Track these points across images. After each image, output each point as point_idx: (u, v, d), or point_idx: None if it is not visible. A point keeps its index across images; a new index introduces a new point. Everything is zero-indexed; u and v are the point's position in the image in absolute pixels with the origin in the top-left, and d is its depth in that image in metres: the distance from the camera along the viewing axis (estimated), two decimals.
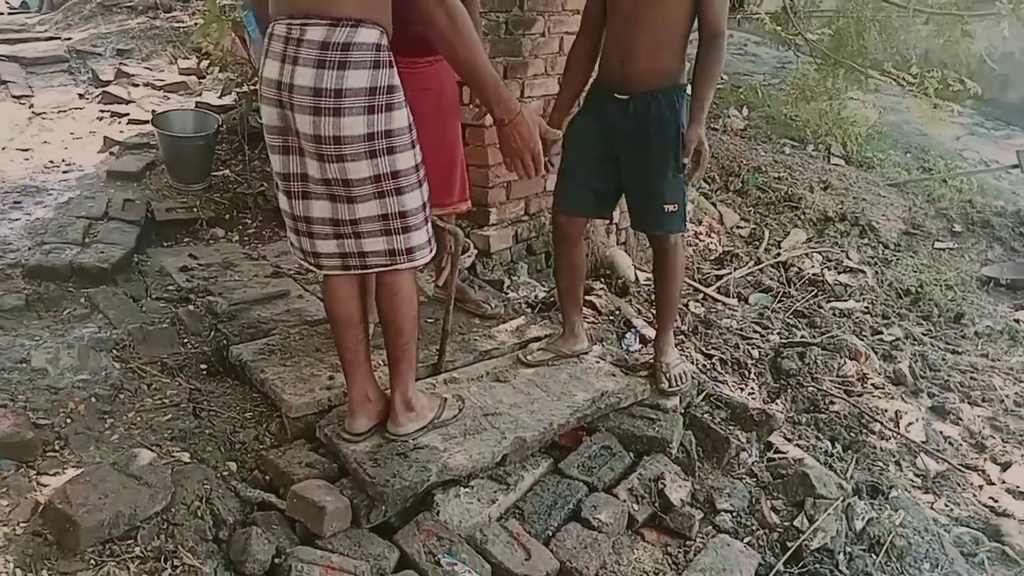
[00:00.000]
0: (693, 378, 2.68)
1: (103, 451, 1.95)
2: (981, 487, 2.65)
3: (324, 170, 1.76)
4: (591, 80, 2.57)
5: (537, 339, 2.75)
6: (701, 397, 2.68)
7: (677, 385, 2.55)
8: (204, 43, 4.45)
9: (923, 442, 2.82)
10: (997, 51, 6.51)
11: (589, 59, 2.51)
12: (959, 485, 2.63)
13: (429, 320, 2.78)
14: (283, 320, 2.71)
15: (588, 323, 3.08)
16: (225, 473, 2.00)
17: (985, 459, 2.82)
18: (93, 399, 2.13)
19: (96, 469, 1.79)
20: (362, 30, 1.68)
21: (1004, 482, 2.69)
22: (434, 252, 1.95)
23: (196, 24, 6.00)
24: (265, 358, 2.42)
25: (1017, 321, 4.12)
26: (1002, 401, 3.24)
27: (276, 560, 1.77)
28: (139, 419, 2.11)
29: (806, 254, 4.51)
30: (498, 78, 1.77)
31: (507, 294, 3.24)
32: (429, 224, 1.92)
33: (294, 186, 1.84)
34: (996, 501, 2.57)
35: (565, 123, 2.56)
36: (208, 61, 4.63)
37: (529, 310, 3.14)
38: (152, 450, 1.93)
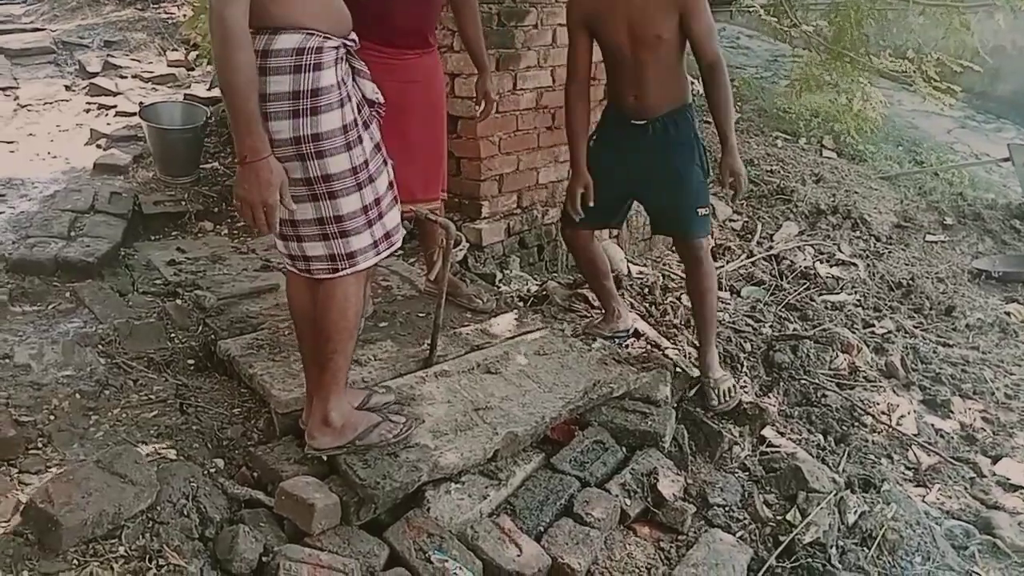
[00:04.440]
0: (740, 390, 2.72)
1: (87, 448, 1.92)
2: (972, 480, 2.65)
3: None
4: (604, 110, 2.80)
5: (529, 333, 2.74)
6: (694, 391, 2.67)
7: (726, 401, 2.59)
8: (193, 34, 4.41)
9: (915, 435, 2.82)
10: (989, 44, 6.51)
11: (586, 101, 2.71)
12: (950, 478, 2.63)
13: (420, 315, 2.76)
14: (272, 315, 2.68)
15: (581, 316, 3.07)
16: (212, 470, 1.98)
17: (976, 452, 2.82)
18: (77, 395, 2.10)
19: (80, 467, 1.76)
20: (281, 36, 1.67)
21: (995, 474, 2.69)
22: (381, 254, 1.90)
23: (185, 16, 5.96)
24: (254, 353, 2.39)
25: (1007, 314, 4.12)
26: (993, 394, 3.24)
27: (264, 558, 1.74)
28: (124, 415, 2.08)
29: (798, 247, 4.50)
30: (255, 116, 1.62)
31: (499, 288, 3.22)
32: (379, 226, 1.86)
33: None
34: (987, 494, 2.57)
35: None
36: (197, 52, 4.59)
37: (521, 304, 3.12)
38: (138, 447, 1.90)
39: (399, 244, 1.97)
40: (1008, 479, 2.67)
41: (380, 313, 2.74)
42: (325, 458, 1.99)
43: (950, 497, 2.54)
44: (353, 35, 1.82)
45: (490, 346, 2.63)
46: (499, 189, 3.44)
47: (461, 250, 3.21)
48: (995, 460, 2.78)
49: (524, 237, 3.57)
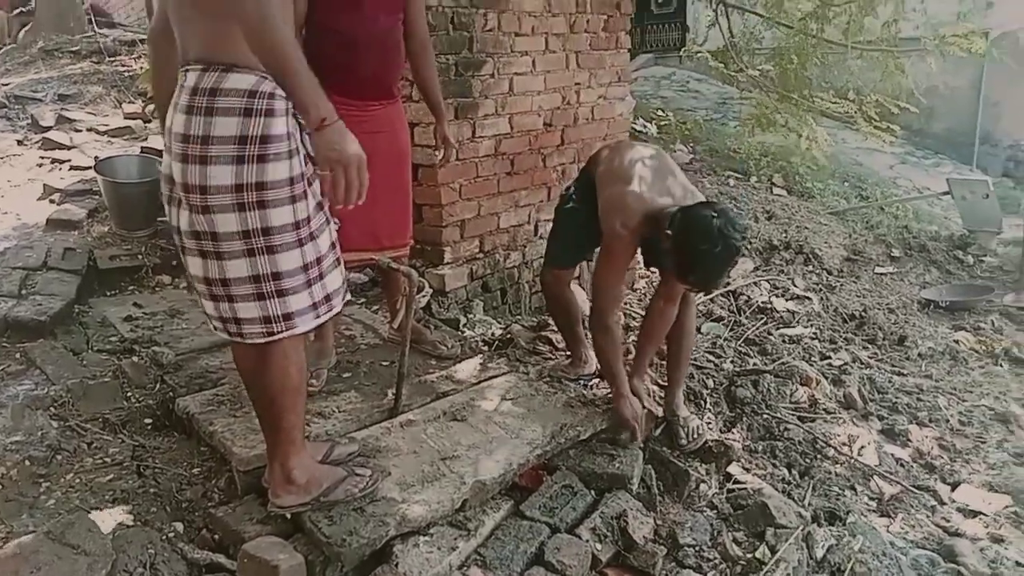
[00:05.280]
0: (709, 429, 2.74)
1: (37, 518, 1.84)
2: (934, 508, 2.70)
3: (192, 221, 1.65)
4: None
5: (494, 377, 2.75)
6: (660, 430, 2.68)
7: (695, 439, 2.61)
8: (149, 87, 4.39)
9: (876, 465, 2.87)
10: (922, 85, 6.86)
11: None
12: (912, 507, 2.68)
13: (384, 364, 2.74)
14: (233, 369, 2.59)
15: (545, 358, 3.08)
16: (171, 535, 1.91)
17: (935, 479, 2.88)
18: (27, 462, 2.02)
19: (29, 540, 1.69)
20: (233, 75, 1.58)
21: (954, 501, 2.75)
22: (320, 318, 1.81)
23: (142, 68, 5.93)
24: (214, 409, 2.34)
25: (956, 342, 4.27)
26: (947, 420, 3.33)
27: None
28: (78, 481, 2.01)
29: (754, 282, 4.61)
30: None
31: (463, 333, 3.22)
32: (319, 287, 1.77)
33: (177, 240, 1.75)
34: (948, 521, 2.62)
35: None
36: (153, 105, 4.56)
37: (486, 348, 3.12)
38: (92, 514, 1.84)
39: (339, 308, 1.88)
40: (967, 505, 2.73)
41: (343, 363, 2.71)
42: (289, 516, 1.94)
43: (913, 526, 2.58)
44: None
45: (456, 393, 2.62)
46: (461, 234, 3.47)
47: (424, 296, 3.21)
48: (954, 487, 2.84)
49: (487, 281, 3.59)
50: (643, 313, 3.69)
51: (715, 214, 2.25)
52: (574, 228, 2.72)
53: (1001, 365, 4.08)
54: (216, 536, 1.97)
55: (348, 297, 1.93)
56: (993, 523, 2.62)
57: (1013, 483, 2.87)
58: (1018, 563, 2.41)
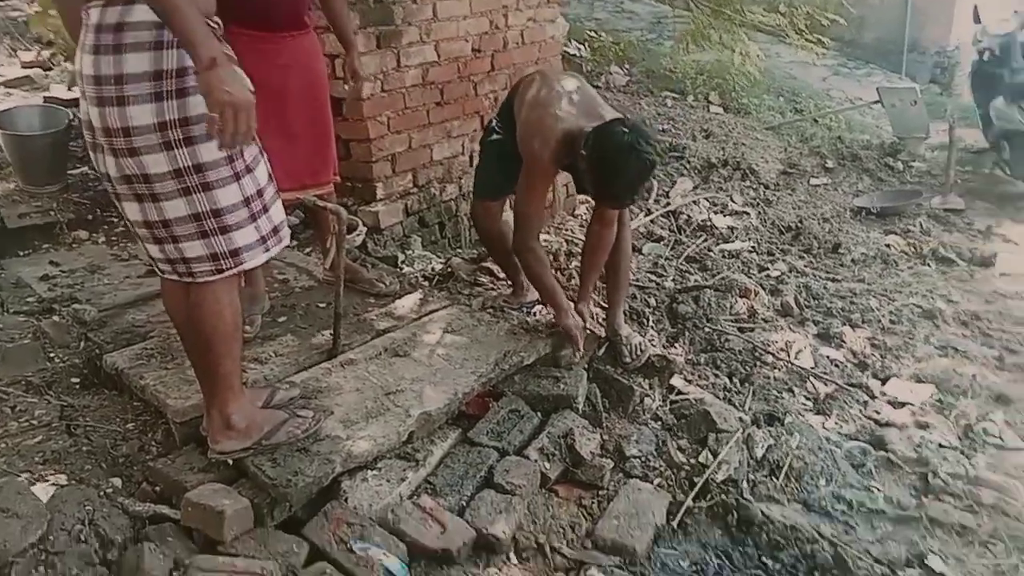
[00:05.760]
0: (652, 345, 2.77)
1: None
2: (866, 403, 2.82)
3: (121, 166, 1.59)
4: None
5: (436, 311, 2.72)
6: (603, 350, 2.72)
7: (638, 356, 2.65)
8: (45, 31, 4.08)
9: (812, 367, 2.97)
10: None
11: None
12: (846, 403, 2.78)
13: (321, 305, 2.69)
14: (161, 321, 2.53)
15: (487, 289, 3.07)
16: (109, 491, 1.86)
17: (868, 376, 3.00)
18: None
19: None
20: (137, 7, 1.50)
21: (885, 395, 2.87)
22: (271, 251, 1.79)
23: (35, 11, 5.50)
24: (144, 363, 2.27)
25: (887, 246, 4.40)
26: (879, 320, 3.45)
27: (175, 573, 1.66)
28: (3, 446, 1.93)
29: (694, 201, 4.64)
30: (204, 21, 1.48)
31: (402, 269, 3.18)
32: (265, 220, 1.74)
33: (108, 187, 1.68)
34: (879, 413, 2.74)
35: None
36: (52, 51, 4.25)
37: (426, 283, 3.08)
38: (21, 477, 1.77)
39: (288, 239, 1.87)
40: (896, 397, 2.85)
41: (278, 308, 2.65)
42: (231, 462, 1.91)
43: (846, 421, 2.69)
44: (216, 18, 1.68)
45: (397, 329, 2.59)
46: (393, 169, 3.38)
47: (359, 235, 3.14)
48: (884, 381, 2.97)
49: (423, 216, 3.53)
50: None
51: (626, 130, 2.23)
52: (500, 159, 2.67)
53: (929, 265, 4.23)
54: (157, 488, 1.93)
55: (288, 239, 1.87)
56: (919, 411, 2.75)
57: (938, 373, 3.01)
58: (940, 445, 2.55)
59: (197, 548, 1.76)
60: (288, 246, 3.12)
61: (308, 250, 3.16)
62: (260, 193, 1.73)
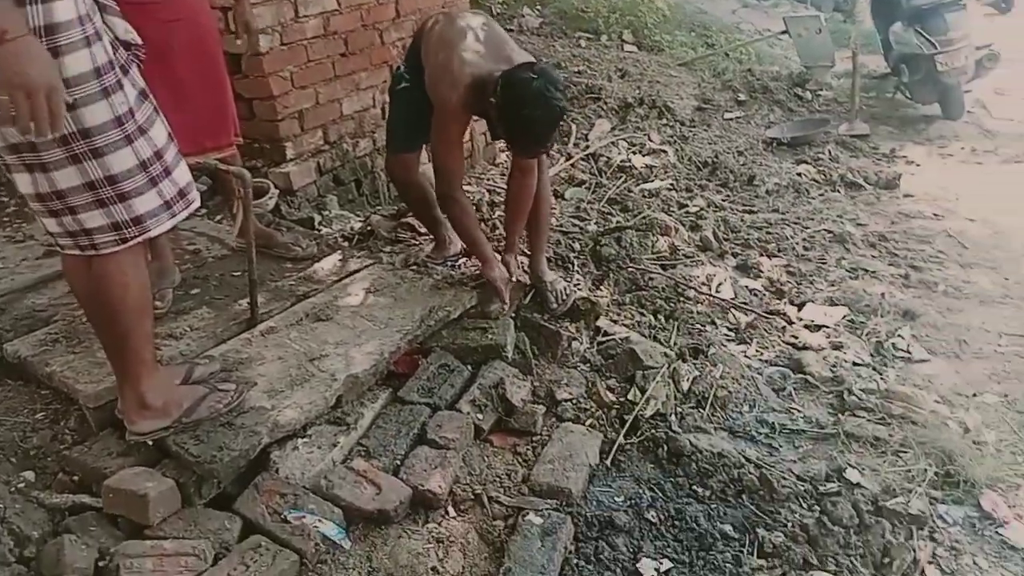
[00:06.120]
0: (577, 289, 2.78)
1: None
2: (784, 328, 2.93)
3: (4, 135, 1.48)
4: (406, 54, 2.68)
5: (357, 272, 2.66)
6: (529, 297, 2.72)
7: (563, 301, 2.65)
8: None
9: (732, 298, 3.06)
10: None
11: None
12: (766, 331, 2.89)
13: (235, 274, 2.59)
14: (64, 303, 2.39)
15: (408, 245, 3.02)
16: (21, 485, 1.78)
17: (784, 303, 3.12)
18: None
19: None
20: None
21: (801, 320, 2.99)
22: (178, 216, 1.71)
23: None
24: (48, 349, 2.14)
25: (799, 175, 4.54)
26: (793, 249, 3.58)
27: (100, 563, 1.61)
28: None
29: (612, 142, 4.65)
30: None
31: (319, 231, 3.09)
32: (168, 183, 1.65)
33: None
34: (796, 338, 2.86)
35: None
36: None
37: (346, 243, 3.01)
38: None
39: (197, 202, 1.77)
40: (812, 321, 2.98)
41: (190, 280, 2.54)
42: (151, 443, 1.84)
43: (767, 348, 2.80)
44: None
45: (317, 293, 2.53)
46: (301, 127, 3.24)
47: (271, 198, 3.00)
48: (800, 307, 3.09)
49: (338, 174, 3.42)
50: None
51: (535, 75, 2.20)
52: (411, 107, 2.59)
53: (838, 191, 4.39)
54: (75, 478, 1.86)
55: (197, 202, 1.78)
56: (834, 333, 2.88)
57: (849, 295, 3.15)
58: (854, 363, 2.68)
59: (123, 535, 1.71)
60: (197, 214, 3.02)
61: (219, 218, 3.02)
62: (159, 155, 1.63)
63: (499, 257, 2.64)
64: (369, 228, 3.12)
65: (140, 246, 1.69)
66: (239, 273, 2.55)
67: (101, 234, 1.60)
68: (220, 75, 2.42)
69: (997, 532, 1.97)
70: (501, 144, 4.34)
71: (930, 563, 1.87)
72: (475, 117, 2.74)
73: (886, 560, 1.86)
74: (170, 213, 1.68)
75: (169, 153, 1.67)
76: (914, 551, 1.88)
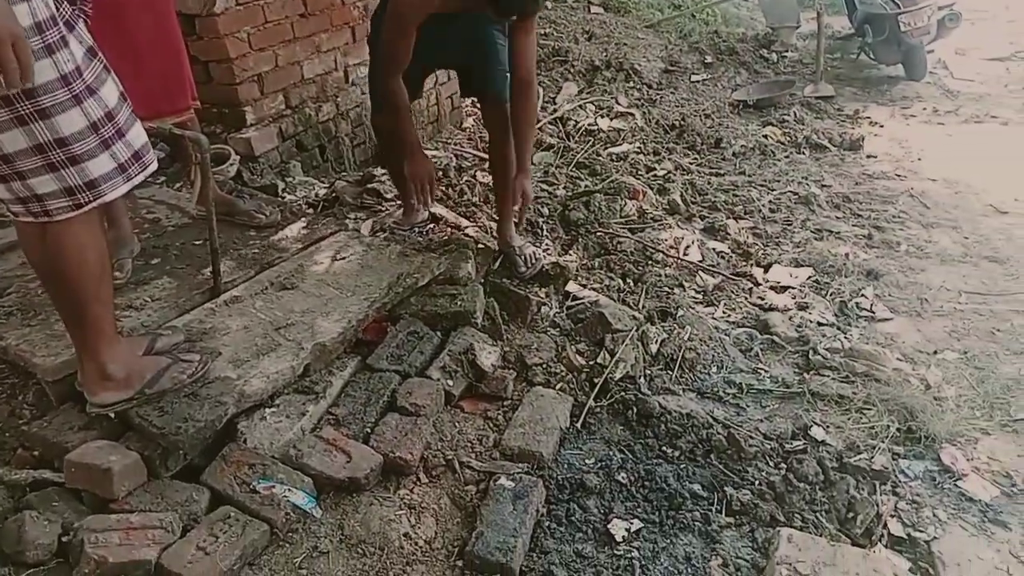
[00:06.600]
0: (546, 254, 2.77)
1: None
2: (750, 290, 2.97)
3: None
4: None
5: (322, 239, 2.61)
6: (498, 263, 2.70)
7: (532, 266, 2.65)
8: None
9: (700, 261, 3.08)
10: None
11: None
12: (733, 293, 2.92)
13: (197, 243, 2.52)
14: (18, 275, 2.31)
15: (374, 212, 2.97)
16: None
17: (751, 265, 3.15)
18: None
19: None
20: None
21: (767, 281, 3.02)
22: (134, 179, 1.64)
23: None
24: (3, 322, 2.07)
25: (765, 137, 4.55)
26: (760, 211, 3.60)
27: (64, 538, 1.58)
28: None
29: (580, 106, 4.61)
30: None
31: (283, 198, 3.02)
32: (122, 145, 1.59)
33: None
34: (763, 299, 2.89)
35: None
36: None
37: (310, 210, 2.95)
38: None
39: (155, 165, 1.71)
40: (778, 283, 3.01)
41: (149, 250, 2.46)
42: (113, 416, 1.80)
43: (734, 309, 2.83)
44: None
45: (282, 261, 2.48)
46: (260, 91, 3.14)
47: (232, 164, 2.93)
48: (767, 268, 3.12)
49: (301, 139, 3.33)
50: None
51: None
52: None
53: (803, 153, 4.42)
54: (35, 453, 1.81)
55: (155, 165, 1.71)
56: (799, 294, 2.92)
57: (814, 256, 3.19)
58: (819, 323, 2.73)
59: (88, 510, 1.68)
60: (155, 182, 2.93)
61: (178, 185, 2.93)
62: (110, 116, 1.56)
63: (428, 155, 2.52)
64: (334, 194, 3.06)
65: (96, 212, 1.63)
66: (200, 242, 2.48)
67: (54, 200, 1.55)
68: (174, 35, 2.32)
69: (956, 485, 2.03)
70: (468, 108, 4.28)
71: (892, 516, 1.92)
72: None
73: (850, 515, 1.91)
74: (125, 176, 1.62)
75: (122, 114, 1.60)
76: (877, 505, 1.93)
